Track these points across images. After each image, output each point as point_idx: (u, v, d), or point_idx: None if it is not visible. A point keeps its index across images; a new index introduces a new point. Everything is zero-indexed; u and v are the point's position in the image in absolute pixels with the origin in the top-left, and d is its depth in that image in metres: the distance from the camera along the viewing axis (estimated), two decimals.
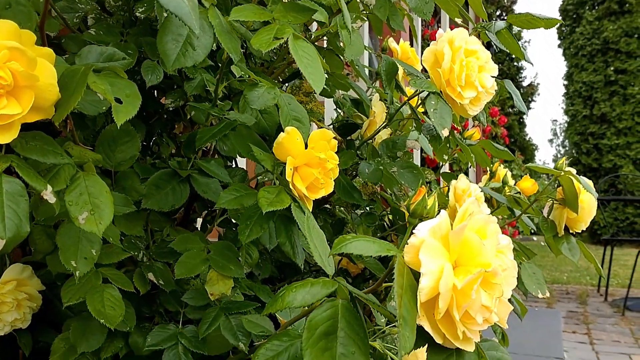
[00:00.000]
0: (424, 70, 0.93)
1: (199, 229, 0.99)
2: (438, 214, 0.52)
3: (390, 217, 1.25)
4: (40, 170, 0.62)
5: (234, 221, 0.94)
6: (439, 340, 0.50)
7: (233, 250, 0.84)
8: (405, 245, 0.51)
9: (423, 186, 0.82)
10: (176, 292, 0.82)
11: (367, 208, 1.23)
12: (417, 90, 0.91)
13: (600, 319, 4.24)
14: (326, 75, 0.75)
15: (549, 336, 3.40)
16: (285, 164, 0.72)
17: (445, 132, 0.78)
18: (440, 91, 0.86)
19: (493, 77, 0.87)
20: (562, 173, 1.17)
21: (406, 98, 0.97)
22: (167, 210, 0.80)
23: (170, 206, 0.81)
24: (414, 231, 0.51)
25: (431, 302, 0.50)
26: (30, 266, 0.82)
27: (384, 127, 0.97)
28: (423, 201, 0.57)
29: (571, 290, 5.56)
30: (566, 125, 13.51)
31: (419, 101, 1.01)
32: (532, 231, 1.40)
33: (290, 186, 0.70)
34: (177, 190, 0.82)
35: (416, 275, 0.51)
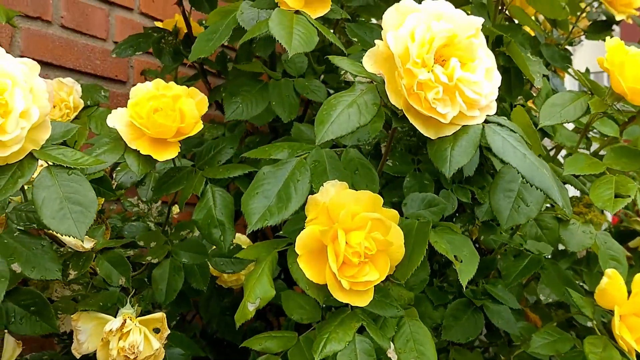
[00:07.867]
0: None
1: None
2: None
3: None
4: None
5: None
6: None
7: None
8: None
9: None
10: None
11: None
12: None
13: None
14: None
15: None
16: (607, 310, 0.67)
17: None
18: None
19: None
20: None
21: None
22: (463, 342, 0.80)
23: (466, 338, 0.80)
24: None
25: None
26: None
27: None
28: None
29: None
30: None
31: None
32: None
33: (618, 339, 0.65)
34: (472, 320, 0.82)
35: None
